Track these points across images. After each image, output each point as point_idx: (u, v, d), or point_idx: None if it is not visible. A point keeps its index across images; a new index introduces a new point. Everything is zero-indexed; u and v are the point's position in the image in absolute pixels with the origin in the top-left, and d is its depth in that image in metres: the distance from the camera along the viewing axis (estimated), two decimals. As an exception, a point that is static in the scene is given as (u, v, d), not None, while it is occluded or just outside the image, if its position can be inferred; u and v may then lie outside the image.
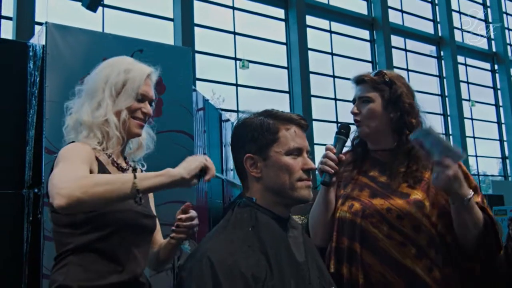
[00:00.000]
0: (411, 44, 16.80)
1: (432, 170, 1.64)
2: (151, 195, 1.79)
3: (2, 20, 8.91)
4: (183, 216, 1.67)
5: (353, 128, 1.84)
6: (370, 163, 1.80)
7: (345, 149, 1.84)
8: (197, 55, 11.12)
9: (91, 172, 1.49)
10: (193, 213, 1.68)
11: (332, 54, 14.59)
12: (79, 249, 1.49)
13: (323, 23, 14.60)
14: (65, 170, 1.38)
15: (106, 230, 1.50)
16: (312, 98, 12.93)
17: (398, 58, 15.99)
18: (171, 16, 11.27)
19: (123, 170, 1.66)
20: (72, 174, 1.34)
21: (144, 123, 1.70)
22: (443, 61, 17.39)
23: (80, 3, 5.27)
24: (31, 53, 3.46)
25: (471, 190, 1.60)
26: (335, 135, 1.76)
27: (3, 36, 8.13)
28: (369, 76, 1.81)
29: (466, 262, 1.71)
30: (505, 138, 18.94)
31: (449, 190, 1.57)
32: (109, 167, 1.60)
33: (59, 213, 1.44)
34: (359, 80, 1.83)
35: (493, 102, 19.21)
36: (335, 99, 14.15)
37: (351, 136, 1.85)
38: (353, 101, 1.84)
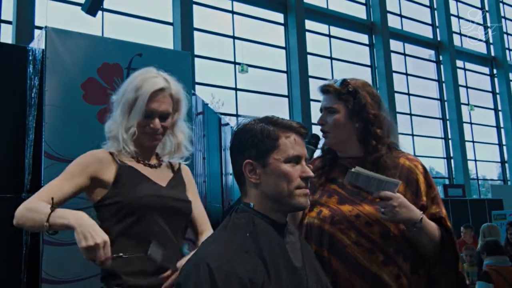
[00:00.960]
0: (410, 49, 16.84)
1: (400, 179, 1.68)
2: (191, 187, 1.91)
3: (2, 24, 8.93)
4: (167, 285, 1.66)
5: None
6: (339, 170, 1.80)
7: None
8: (196, 59, 11.14)
9: (97, 175, 1.71)
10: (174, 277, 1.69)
11: (331, 58, 14.62)
12: (118, 237, 1.65)
13: (322, 27, 14.64)
14: (46, 187, 1.68)
15: (132, 217, 1.66)
16: (311, 102, 12.94)
17: (397, 62, 16.02)
18: (171, 21, 11.30)
19: (151, 166, 1.81)
20: (42, 193, 1.65)
21: (157, 136, 1.80)
22: (442, 66, 17.43)
23: (79, 8, 5.29)
24: (30, 57, 3.46)
25: (420, 212, 1.62)
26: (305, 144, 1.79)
27: (2, 40, 8.13)
28: (333, 86, 1.81)
29: (433, 268, 1.73)
30: (504, 142, 18.96)
31: (399, 220, 1.60)
32: (136, 165, 1.77)
33: (100, 209, 1.71)
34: (324, 90, 1.84)
35: (492, 106, 19.24)
36: (334, 103, 14.14)
37: (321, 143, 1.88)
38: (320, 111, 1.86)
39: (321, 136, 1.85)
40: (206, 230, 1.89)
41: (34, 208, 1.60)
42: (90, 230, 1.50)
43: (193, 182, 1.95)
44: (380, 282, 1.62)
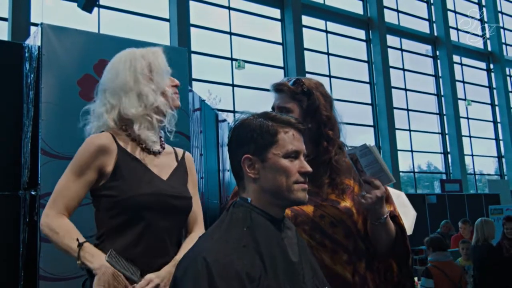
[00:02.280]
0: (407, 44, 16.84)
1: (354, 179, 1.74)
2: (191, 179, 1.87)
3: (-2, 21, 8.89)
4: None
5: None
6: None
7: None
8: (193, 55, 11.13)
9: (103, 167, 1.66)
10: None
11: (328, 54, 14.61)
12: (110, 233, 1.64)
13: (319, 23, 14.62)
14: (58, 188, 1.67)
15: (128, 215, 1.63)
16: (308, 98, 12.92)
17: (394, 57, 16.03)
18: (167, 17, 11.27)
19: (154, 153, 1.75)
20: (57, 203, 1.65)
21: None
22: (438, 61, 17.44)
23: (75, 4, 5.27)
24: (26, 54, 3.46)
25: (386, 209, 1.67)
26: None
27: (-2, 37, 8.10)
28: (287, 86, 1.80)
29: (383, 262, 1.78)
30: (501, 137, 19.01)
31: (371, 209, 1.64)
32: (137, 152, 1.71)
33: (96, 198, 1.69)
34: (278, 89, 1.82)
35: (488, 101, 19.28)
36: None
37: None
38: (272, 110, 1.81)
39: None
40: (197, 230, 1.83)
41: (56, 229, 1.62)
42: (106, 279, 1.54)
43: (195, 173, 1.91)
44: (343, 281, 1.66)
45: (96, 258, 1.57)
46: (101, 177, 1.67)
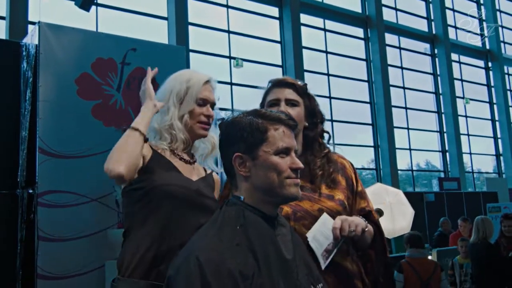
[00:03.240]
0: (405, 42, 16.84)
1: (341, 175, 1.85)
2: (216, 189, 1.95)
3: (-5, 20, 8.87)
4: None
5: None
6: None
7: None
8: (191, 54, 11.12)
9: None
10: None
11: (326, 52, 14.61)
12: (136, 223, 1.69)
13: (317, 21, 14.62)
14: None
15: (153, 203, 1.69)
16: (307, 97, 12.91)
17: (392, 56, 16.03)
18: (165, 15, 11.25)
19: (185, 161, 1.86)
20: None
21: (208, 125, 1.89)
22: (437, 59, 17.44)
23: (73, 2, 5.26)
24: (24, 53, 3.45)
25: (364, 222, 1.72)
26: None
27: (-4, 36, 8.09)
28: (298, 83, 1.93)
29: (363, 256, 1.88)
30: (499, 136, 19.03)
31: (360, 226, 1.68)
32: (170, 157, 1.82)
33: (126, 194, 1.75)
34: (289, 84, 1.92)
35: (487, 99, 19.29)
36: (330, 97, 14.17)
37: None
38: (275, 103, 1.89)
39: None
40: None
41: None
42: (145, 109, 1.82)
43: (218, 187, 1.99)
44: (346, 271, 1.73)
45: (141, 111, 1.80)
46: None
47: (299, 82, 1.93)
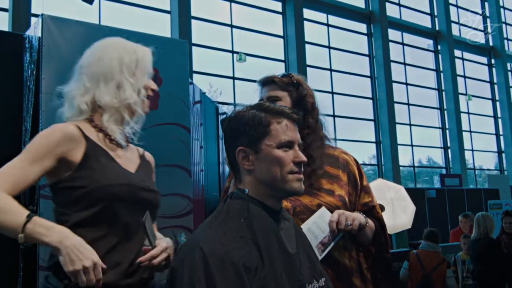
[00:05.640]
0: (408, 38, 16.79)
1: (342, 170, 1.83)
2: (153, 171, 1.81)
3: (-2, 12, 8.87)
4: (143, 258, 1.55)
5: None
6: None
7: None
8: (194, 48, 11.10)
9: (67, 157, 1.52)
10: (153, 252, 1.57)
11: (329, 47, 14.58)
12: (76, 227, 1.46)
13: (321, 16, 14.58)
14: (6, 171, 1.46)
15: (96, 207, 1.50)
16: (309, 92, 12.89)
17: (395, 52, 15.99)
18: (168, 9, 11.24)
19: (121, 146, 1.66)
20: (1, 180, 1.43)
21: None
22: (440, 55, 17.39)
23: (76, -5, 5.25)
24: (27, 45, 3.45)
25: (363, 217, 1.72)
26: None
27: (-1, 28, 8.08)
28: (278, 78, 1.90)
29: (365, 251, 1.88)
30: (501, 132, 18.99)
31: (358, 219, 1.69)
32: (104, 144, 1.62)
33: (58, 191, 1.55)
34: (268, 81, 1.91)
35: (489, 96, 19.24)
36: (332, 93, 14.16)
37: None
38: (260, 101, 1.88)
39: None
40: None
41: (1, 209, 1.39)
42: (76, 251, 1.35)
43: (154, 172, 1.83)
44: (343, 267, 1.73)
45: (52, 231, 1.38)
46: (64, 168, 1.52)
47: (280, 76, 1.91)
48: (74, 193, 1.51)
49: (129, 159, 1.69)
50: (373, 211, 1.85)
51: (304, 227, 1.65)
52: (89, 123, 1.63)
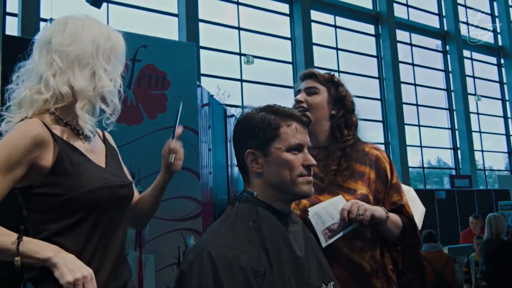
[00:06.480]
0: (417, 39, 16.73)
1: (370, 167, 1.79)
2: (118, 153, 1.70)
3: (7, 17, 8.92)
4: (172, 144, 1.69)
5: None
6: None
7: None
8: (201, 50, 11.12)
9: (37, 162, 1.38)
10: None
11: (337, 49, 14.55)
12: (54, 237, 1.39)
13: (328, 17, 14.56)
14: None
15: (77, 215, 1.41)
16: (317, 93, 12.88)
17: (403, 52, 15.93)
18: (176, 12, 11.27)
19: (87, 138, 1.53)
20: None
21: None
22: (448, 56, 17.31)
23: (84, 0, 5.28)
24: (36, 50, 3.46)
25: (385, 212, 1.69)
26: None
27: (8, 33, 8.13)
28: (319, 73, 1.90)
29: (395, 252, 1.83)
30: (511, 133, 18.85)
31: (373, 213, 1.65)
32: (73, 140, 1.48)
33: (31, 197, 1.42)
34: (309, 75, 1.90)
35: (499, 96, 19.11)
36: (340, 94, 14.11)
37: None
38: (297, 92, 1.90)
39: None
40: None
41: None
42: (74, 262, 1.32)
43: (118, 153, 1.72)
44: (359, 269, 1.69)
45: (44, 247, 1.33)
46: (34, 173, 1.39)
47: (322, 72, 1.91)
48: (51, 201, 1.39)
49: (96, 150, 1.57)
50: (402, 210, 1.80)
51: (311, 210, 1.64)
52: (52, 115, 1.46)
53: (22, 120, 1.42)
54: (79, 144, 1.49)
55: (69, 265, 1.31)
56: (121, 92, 1.58)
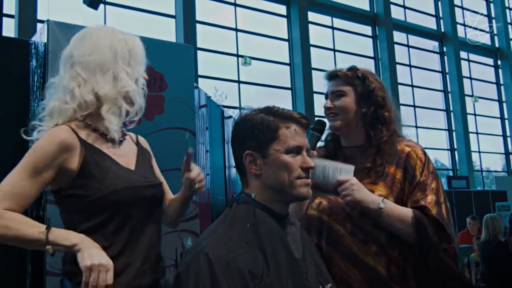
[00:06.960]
0: (414, 40, 16.75)
1: (397, 166, 1.71)
2: (154, 162, 1.79)
3: (4, 18, 8.91)
4: (193, 175, 1.68)
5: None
6: (342, 160, 1.77)
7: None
8: (199, 52, 11.12)
9: (65, 165, 1.48)
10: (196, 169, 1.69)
11: (334, 50, 14.57)
12: (86, 235, 1.45)
13: (325, 19, 14.58)
14: (7, 187, 1.45)
15: (103, 215, 1.49)
16: (314, 95, 12.91)
17: (400, 54, 15.95)
18: (173, 13, 11.27)
19: (115, 142, 1.61)
20: (4, 199, 1.42)
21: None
22: (445, 57, 17.34)
23: (81, 1, 5.27)
24: (33, 51, 3.46)
25: (379, 200, 1.62)
26: (309, 130, 1.76)
27: (5, 34, 8.13)
28: (342, 71, 1.83)
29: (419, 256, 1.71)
30: (508, 134, 18.89)
31: (360, 199, 1.61)
32: (100, 144, 1.57)
33: (62, 199, 1.53)
34: (332, 75, 1.85)
35: (496, 97, 19.15)
36: (338, 96, 14.11)
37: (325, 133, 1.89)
38: (326, 96, 1.86)
39: (326, 123, 1.85)
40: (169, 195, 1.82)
41: (9, 223, 1.40)
42: (96, 249, 1.39)
43: (152, 153, 1.81)
44: (375, 272, 1.64)
45: (71, 235, 1.42)
46: (63, 176, 1.50)
47: (345, 70, 1.84)
48: (79, 203, 1.50)
49: (127, 153, 1.65)
50: (424, 210, 1.65)
51: (322, 162, 1.63)
52: (81, 122, 1.57)
53: (53, 128, 1.55)
54: (106, 148, 1.58)
55: (91, 252, 1.37)
56: (145, 90, 1.67)
